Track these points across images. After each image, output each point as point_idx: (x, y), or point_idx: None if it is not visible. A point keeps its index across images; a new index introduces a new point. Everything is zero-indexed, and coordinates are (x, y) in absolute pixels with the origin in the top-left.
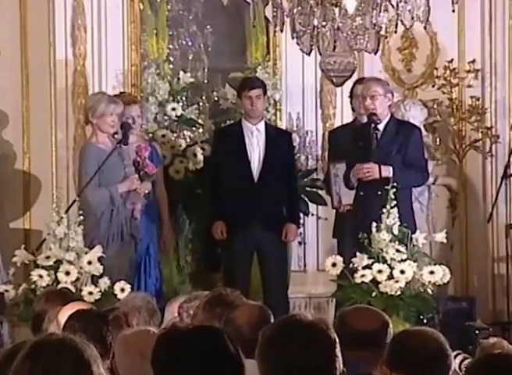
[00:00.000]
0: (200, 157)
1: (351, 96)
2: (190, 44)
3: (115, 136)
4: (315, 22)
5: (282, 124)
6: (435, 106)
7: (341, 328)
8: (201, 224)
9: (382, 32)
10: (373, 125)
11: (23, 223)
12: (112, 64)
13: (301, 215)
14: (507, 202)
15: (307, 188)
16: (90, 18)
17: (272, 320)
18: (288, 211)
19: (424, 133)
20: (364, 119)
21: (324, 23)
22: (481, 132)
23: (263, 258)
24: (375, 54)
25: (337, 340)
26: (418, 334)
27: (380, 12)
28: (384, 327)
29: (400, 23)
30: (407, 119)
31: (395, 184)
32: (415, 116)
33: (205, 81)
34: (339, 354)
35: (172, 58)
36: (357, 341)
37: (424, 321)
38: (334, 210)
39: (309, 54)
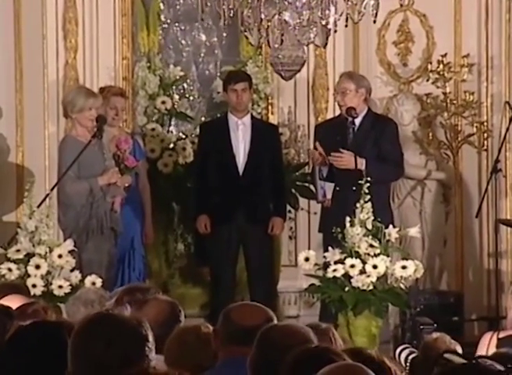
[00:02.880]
0: (189, 151)
1: (335, 91)
2: (181, 37)
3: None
4: (262, 15)
5: (274, 118)
6: (429, 100)
7: (225, 324)
8: (191, 218)
9: (330, 26)
10: (350, 119)
11: (16, 217)
12: (103, 57)
13: (291, 209)
14: (497, 197)
15: (298, 182)
16: (81, 11)
17: (183, 317)
18: (274, 204)
19: (417, 127)
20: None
21: (271, 17)
22: (476, 126)
23: (248, 252)
24: (324, 48)
25: (150, 337)
26: (285, 329)
27: (328, 5)
28: (268, 323)
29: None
30: (400, 113)
31: (369, 179)
32: (408, 110)
33: (197, 74)
34: (149, 351)
35: (163, 52)
36: (241, 336)
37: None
38: (320, 204)
39: (258, 47)
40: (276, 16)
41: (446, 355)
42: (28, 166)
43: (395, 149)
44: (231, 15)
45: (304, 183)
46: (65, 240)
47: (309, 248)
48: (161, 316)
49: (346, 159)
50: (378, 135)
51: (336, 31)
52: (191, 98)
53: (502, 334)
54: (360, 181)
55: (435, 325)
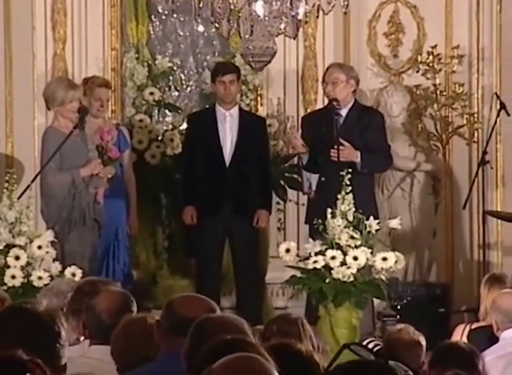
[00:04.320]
0: (177, 142)
1: (323, 82)
2: (170, 29)
3: None
4: (232, 6)
5: (263, 109)
6: (419, 92)
7: (168, 315)
8: (179, 209)
9: (300, 17)
10: (335, 110)
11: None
12: (92, 48)
13: (280, 201)
14: (485, 189)
15: (287, 174)
16: (70, 2)
17: (135, 308)
18: (260, 197)
19: (406, 119)
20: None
21: (241, 8)
22: (466, 118)
23: (234, 244)
24: (294, 39)
25: (62, 333)
26: (219, 320)
27: None
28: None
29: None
30: (389, 105)
31: (350, 170)
32: (398, 101)
33: (182, 66)
34: (61, 347)
35: (151, 43)
36: (183, 328)
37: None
38: (306, 195)
39: (227, 38)
40: (246, 7)
41: (352, 347)
42: (17, 156)
43: (382, 140)
44: (201, 5)
45: (292, 175)
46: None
47: (298, 240)
48: (113, 307)
49: (346, 152)
50: (364, 126)
51: (306, 22)
52: (188, 89)
53: (474, 326)
54: (341, 172)
55: (399, 316)
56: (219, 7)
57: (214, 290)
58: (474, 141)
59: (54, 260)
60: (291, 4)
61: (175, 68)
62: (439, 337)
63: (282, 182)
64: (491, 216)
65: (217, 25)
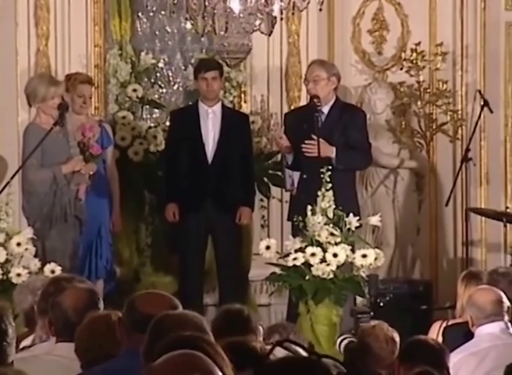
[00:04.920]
0: (161, 139)
1: (305, 79)
2: (154, 25)
3: None
4: (207, 2)
5: (247, 106)
6: (403, 89)
7: (129, 312)
8: (162, 206)
9: (276, 14)
10: (316, 108)
11: None
12: (75, 45)
13: (263, 198)
14: (468, 186)
15: (270, 171)
16: None
17: (101, 304)
18: (242, 194)
19: (390, 116)
20: None
21: (215, 4)
22: (450, 115)
23: (216, 241)
24: (269, 36)
25: (9, 331)
26: (178, 317)
27: None
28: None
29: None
30: (373, 102)
31: (340, 167)
32: (381, 98)
33: (169, 63)
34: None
35: (138, 40)
36: (144, 325)
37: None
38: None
39: (202, 35)
40: (221, 4)
41: (286, 344)
42: (1, 153)
43: (363, 138)
44: (175, 2)
45: (275, 172)
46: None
47: (281, 237)
48: (79, 304)
49: (320, 147)
50: (346, 124)
51: (281, 19)
52: (175, 86)
53: (451, 322)
54: (321, 169)
55: (372, 313)
56: (194, 3)
57: (196, 287)
58: (458, 138)
59: (35, 257)
60: (266, 1)
61: (162, 65)
62: (422, 335)
63: (265, 179)
64: (474, 213)
65: (192, 22)
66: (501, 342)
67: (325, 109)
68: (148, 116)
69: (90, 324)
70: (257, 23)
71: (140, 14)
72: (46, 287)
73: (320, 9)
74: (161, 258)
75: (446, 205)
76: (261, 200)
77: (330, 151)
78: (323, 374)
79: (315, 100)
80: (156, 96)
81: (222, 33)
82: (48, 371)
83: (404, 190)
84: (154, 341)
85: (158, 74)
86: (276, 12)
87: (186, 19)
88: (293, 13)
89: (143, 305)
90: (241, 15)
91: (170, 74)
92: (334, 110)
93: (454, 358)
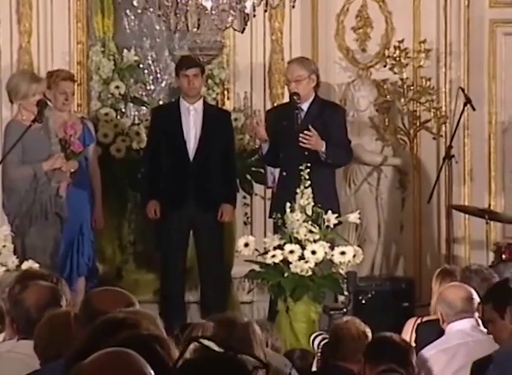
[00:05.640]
0: (143, 136)
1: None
2: (136, 22)
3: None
4: None
5: (230, 103)
6: (386, 86)
7: (86, 309)
8: (144, 203)
9: (248, 11)
10: (296, 105)
11: None
12: (58, 41)
13: (246, 195)
14: (450, 183)
15: (253, 168)
16: None
17: (64, 301)
18: (224, 191)
19: (373, 113)
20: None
21: (187, 1)
22: (433, 112)
23: (198, 239)
24: (242, 33)
25: None
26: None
27: None
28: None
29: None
30: (356, 99)
31: (309, 164)
32: (365, 95)
33: (152, 60)
34: None
35: (124, 37)
36: None
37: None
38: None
39: (175, 32)
40: (194, 0)
41: (201, 341)
42: None
43: (343, 135)
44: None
45: (258, 169)
46: (9, 225)
47: (265, 234)
48: (41, 301)
49: (314, 139)
50: (326, 121)
51: (254, 16)
52: (163, 83)
53: (425, 319)
54: (300, 167)
55: (345, 310)
56: (167, 0)
57: (178, 284)
58: (442, 136)
59: (15, 254)
60: None
61: (150, 62)
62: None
63: (248, 176)
64: (456, 210)
65: (164, 19)
66: (471, 339)
67: (305, 106)
68: (132, 113)
69: (50, 322)
70: (230, 19)
71: (128, 11)
72: (12, 284)
73: (293, 6)
74: (143, 256)
75: (428, 202)
76: (244, 197)
77: (321, 145)
78: (239, 370)
79: (295, 97)
80: (144, 93)
81: (195, 30)
82: (8, 369)
83: (388, 187)
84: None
85: (145, 71)
86: (249, 9)
87: (159, 15)
88: (265, 10)
89: (98, 301)
90: (213, 11)
91: (158, 71)
92: (313, 107)
93: (426, 355)
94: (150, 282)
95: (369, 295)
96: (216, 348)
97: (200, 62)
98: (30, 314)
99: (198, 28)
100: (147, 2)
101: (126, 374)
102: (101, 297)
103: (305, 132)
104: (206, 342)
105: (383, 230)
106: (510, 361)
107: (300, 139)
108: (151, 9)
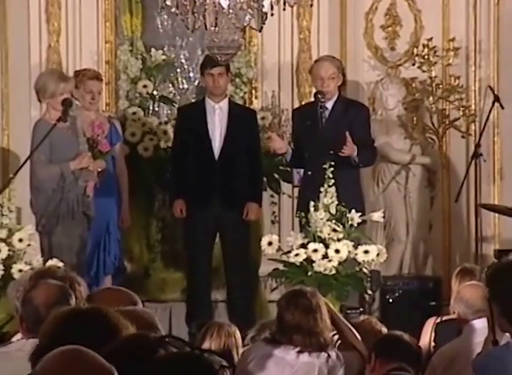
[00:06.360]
0: (171, 135)
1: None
2: (169, 21)
3: (70, 112)
4: None
5: (258, 102)
6: (414, 85)
7: None
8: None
9: (266, 9)
10: (320, 103)
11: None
12: (86, 41)
13: (274, 194)
14: (479, 182)
15: (280, 167)
16: None
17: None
18: (249, 189)
19: (402, 111)
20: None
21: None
22: (462, 111)
23: (223, 238)
24: (260, 31)
25: None
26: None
27: None
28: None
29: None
30: (384, 97)
31: (332, 163)
32: (393, 94)
33: (185, 59)
34: None
35: (145, 36)
36: None
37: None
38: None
39: (192, 31)
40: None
41: (168, 340)
42: (13, 149)
43: (367, 135)
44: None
45: (286, 168)
46: (36, 223)
47: (293, 233)
48: (50, 300)
49: (350, 148)
50: (351, 120)
51: (272, 15)
52: (196, 82)
53: (444, 318)
54: (324, 165)
55: (361, 309)
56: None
57: (204, 283)
58: (471, 134)
59: (42, 252)
60: None
61: (183, 60)
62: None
63: (275, 175)
64: (484, 208)
65: (182, 18)
66: None
67: (329, 105)
68: (164, 112)
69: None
70: (247, 18)
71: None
72: (30, 281)
73: (311, 5)
74: (171, 254)
75: (456, 201)
76: (272, 196)
77: (353, 150)
78: (205, 368)
79: (319, 96)
80: (176, 92)
81: (213, 29)
82: (16, 367)
83: (416, 186)
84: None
85: (178, 70)
86: (266, 8)
87: (176, 14)
88: (284, 9)
89: (101, 301)
90: (231, 10)
91: (191, 70)
92: (338, 106)
93: (443, 354)
94: (177, 281)
95: (396, 294)
96: (184, 347)
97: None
98: (38, 313)
99: (216, 27)
100: (164, 1)
101: (84, 371)
102: (104, 296)
103: (347, 143)
104: (173, 341)
105: (412, 229)
106: (488, 367)
107: (343, 151)
108: (173, 9)
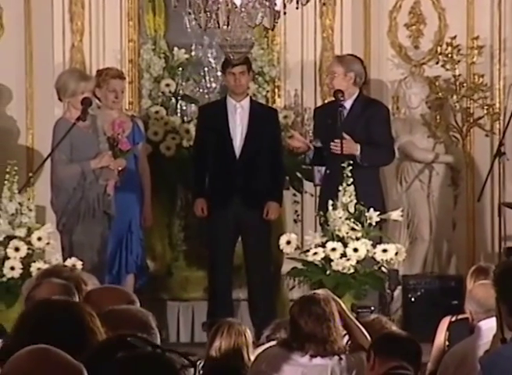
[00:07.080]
0: (193, 134)
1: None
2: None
3: (90, 111)
4: None
5: (281, 101)
6: (438, 83)
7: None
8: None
9: (278, 8)
10: (339, 102)
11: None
12: (110, 40)
13: (296, 193)
14: (502, 180)
15: (303, 166)
16: None
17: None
18: (270, 188)
19: (425, 110)
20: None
21: None
22: (486, 109)
23: (245, 237)
24: (272, 30)
25: None
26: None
27: None
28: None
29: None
30: (408, 96)
31: (351, 162)
32: (417, 93)
33: (213, 57)
34: None
35: (168, 35)
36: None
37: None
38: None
39: (205, 29)
40: None
41: (130, 339)
42: (37, 148)
43: (386, 134)
44: None
45: (308, 167)
46: (57, 222)
47: (315, 231)
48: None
49: (347, 145)
50: (368, 119)
51: (285, 13)
52: (197, 80)
53: (459, 317)
54: (342, 164)
55: (373, 308)
56: None
57: (226, 282)
58: (495, 133)
59: (62, 251)
60: None
61: (211, 59)
62: None
63: (298, 174)
64: (508, 207)
65: (194, 16)
66: None
67: (348, 104)
68: (189, 111)
69: None
70: (260, 16)
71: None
72: (37, 279)
73: (323, 4)
74: (194, 253)
75: (478, 200)
76: (294, 195)
77: (355, 149)
78: (167, 367)
79: (339, 95)
80: (204, 91)
81: (225, 27)
82: None
83: (439, 184)
84: None
85: (206, 69)
86: (279, 6)
87: (189, 13)
88: (297, 8)
89: (98, 299)
90: (243, 9)
91: (218, 69)
92: (356, 104)
93: (455, 353)
94: (200, 279)
95: (418, 293)
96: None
97: (247, 59)
98: None
99: (228, 25)
100: (177, 1)
101: (52, 370)
102: (101, 294)
103: (334, 140)
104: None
105: (435, 228)
106: (497, 365)
107: (333, 147)
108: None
